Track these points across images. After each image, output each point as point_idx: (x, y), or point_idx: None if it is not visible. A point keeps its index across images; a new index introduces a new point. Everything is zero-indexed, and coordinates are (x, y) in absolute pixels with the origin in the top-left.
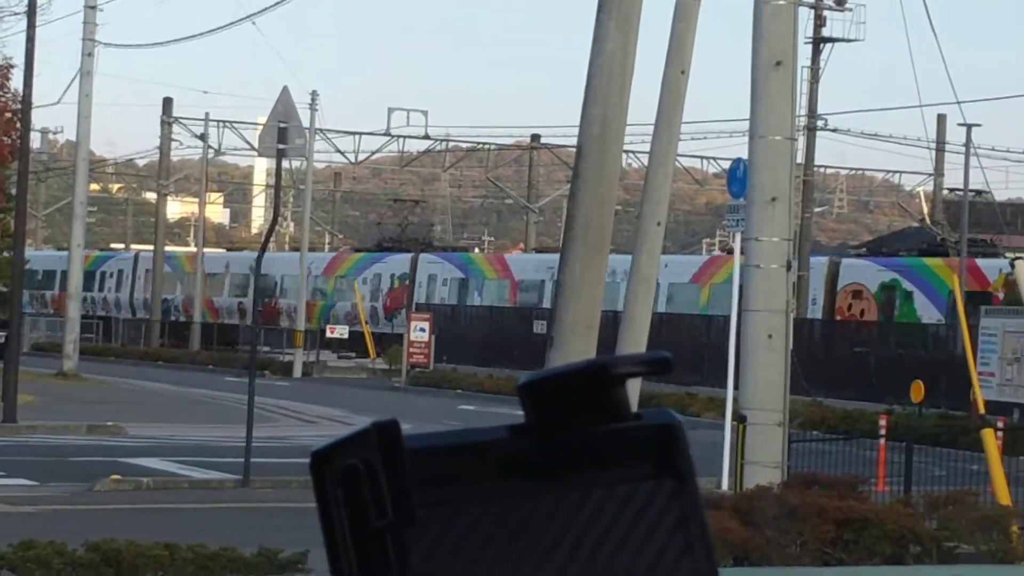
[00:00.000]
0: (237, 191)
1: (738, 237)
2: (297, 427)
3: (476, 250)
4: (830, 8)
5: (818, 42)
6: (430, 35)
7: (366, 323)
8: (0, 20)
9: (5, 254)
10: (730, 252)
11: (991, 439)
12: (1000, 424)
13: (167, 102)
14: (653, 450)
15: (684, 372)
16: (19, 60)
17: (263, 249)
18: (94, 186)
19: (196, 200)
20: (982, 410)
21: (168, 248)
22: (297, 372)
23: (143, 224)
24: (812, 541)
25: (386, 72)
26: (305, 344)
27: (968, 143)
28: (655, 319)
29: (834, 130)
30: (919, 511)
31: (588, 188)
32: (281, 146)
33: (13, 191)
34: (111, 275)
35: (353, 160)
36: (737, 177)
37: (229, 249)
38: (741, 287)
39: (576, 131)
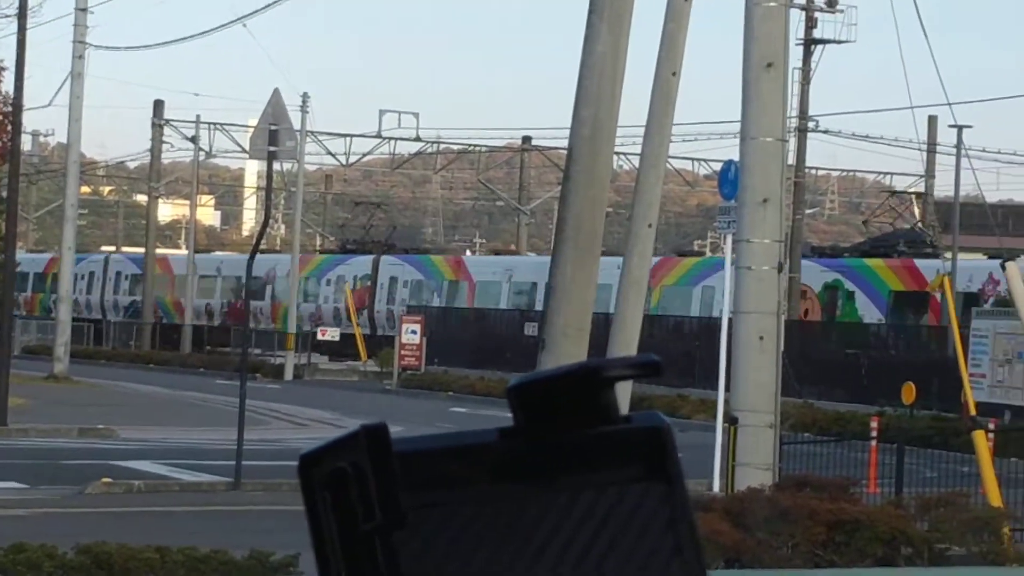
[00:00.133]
0: (228, 193)
1: (729, 239)
2: (289, 430)
3: (468, 252)
4: (821, 10)
5: (809, 43)
6: (420, 37)
7: (357, 325)
8: None
9: None
10: (689, 255)
11: (982, 441)
12: (991, 426)
13: (158, 104)
14: (642, 453)
15: (674, 375)
16: (10, 62)
17: (254, 251)
18: (85, 188)
19: (187, 202)
20: (973, 412)
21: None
22: (288, 375)
23: (134, 226)
24: (803, 543)
25: (377, 74)
26: (296, 347)
27: (959, 144)
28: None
29: (825, 132)
30: (910, 513)
31: (579, 190)
32: (272, 148)
33: (4, 194)
34: (82, 277)
35: (344, 162)
36: (728, 179)
37: (197, 251)
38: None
39: (567, 133)
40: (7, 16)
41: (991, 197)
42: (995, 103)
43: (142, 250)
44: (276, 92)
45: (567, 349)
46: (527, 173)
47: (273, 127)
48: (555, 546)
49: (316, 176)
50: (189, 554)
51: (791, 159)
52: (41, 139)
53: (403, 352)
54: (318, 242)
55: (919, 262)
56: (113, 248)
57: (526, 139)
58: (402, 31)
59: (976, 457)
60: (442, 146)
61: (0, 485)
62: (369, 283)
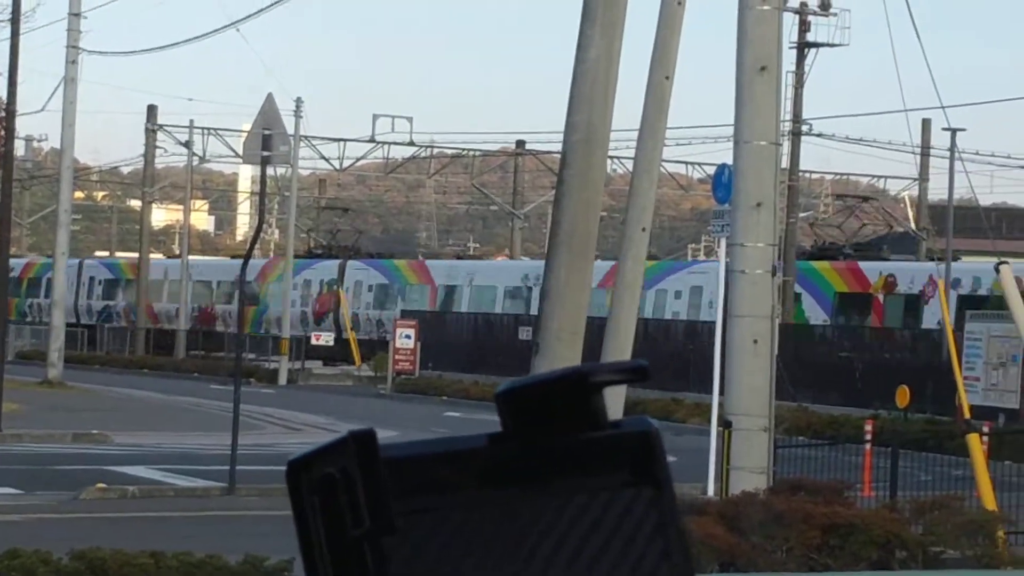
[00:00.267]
0: (222, 198)
1: (723, 242)
2: (283, 435)
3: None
4: (815, 13)
5: (803, 47)
6: (415, 41)
7: (351, 330)
8: None
9: None
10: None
11: (976, 444)
12: (985, 429)
13: (151, 109)
14: (631, 458)
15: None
16: (3, 67)
17: (248, 256)
18: (79, 194)
19: (181, 207)
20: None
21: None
22: (282, 379)
23: (128, 232)
24: (798, 547)
25: (371, 77)
26: (290, 353)
27: (953, 148)
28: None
29: (819, 135)
30: (905, 516)
31: (573, 194)
32: (266, 153)
33: None
34: None
35: (338, 167)
36: (722, 182)
37: (168, 256)
38: (726, 292)
39: (561, 137)
40: (0, 21)
41: (985, 200)
42: (988, 106)
43: (118, 255)
44: (269, 97)
45: (561, 353)
46: (521, 177)
47: (267, 132)
48: (544, 551)
49: (310, 180)
50: (184, 559)
51: (785, 162)
52: (35, 144)
53: (397, 357)
54: (311, 246)
55: (863, 264)
56: (107, 253)
57: (520, 143)
58: (397, 34)
59: (970, 460)
60: (436, 150)
61: None
62: (336, 287)
